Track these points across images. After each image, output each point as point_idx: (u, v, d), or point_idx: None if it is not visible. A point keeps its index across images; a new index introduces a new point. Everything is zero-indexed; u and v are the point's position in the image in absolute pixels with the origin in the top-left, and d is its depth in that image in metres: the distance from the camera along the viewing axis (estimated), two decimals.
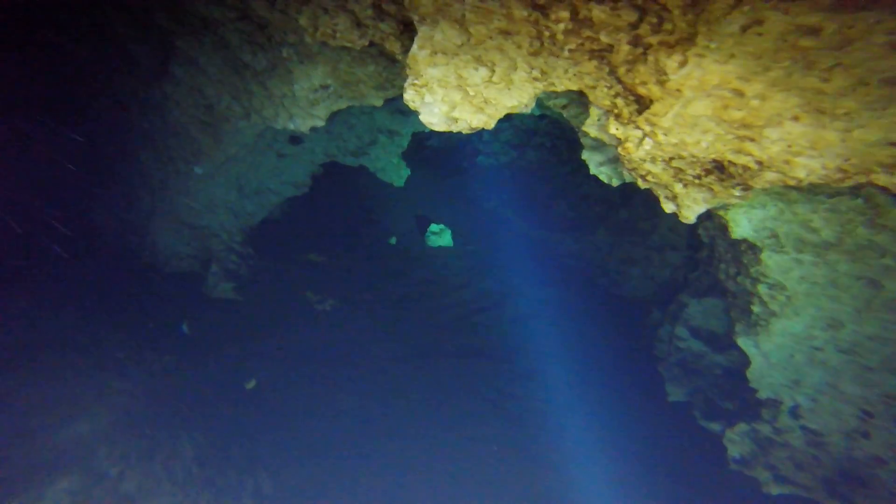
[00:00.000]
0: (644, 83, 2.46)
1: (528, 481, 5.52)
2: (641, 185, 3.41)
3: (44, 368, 6.03)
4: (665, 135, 2.62)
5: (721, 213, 4.73)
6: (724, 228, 5.42)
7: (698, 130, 2.53)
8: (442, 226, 12.43)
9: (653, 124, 2.60)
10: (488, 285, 11.49)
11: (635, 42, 2.32)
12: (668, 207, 3.29)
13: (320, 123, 5.56)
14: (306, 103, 5.35)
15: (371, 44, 4.20)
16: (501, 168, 15.62)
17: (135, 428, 5.32)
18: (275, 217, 10.25)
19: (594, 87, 2.66)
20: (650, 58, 2.36)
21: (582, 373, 9.13)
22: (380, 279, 10.52)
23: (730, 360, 7.24)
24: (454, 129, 3.15)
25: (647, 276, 10.66)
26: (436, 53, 2.81)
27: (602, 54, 2.48)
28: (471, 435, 5.96)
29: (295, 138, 9.14)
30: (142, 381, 6.18)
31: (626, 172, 4.88)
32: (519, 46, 2.68)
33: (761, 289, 5.00)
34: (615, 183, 5.47)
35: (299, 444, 5.54)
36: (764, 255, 4.83)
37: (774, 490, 5.68)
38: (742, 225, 4.63)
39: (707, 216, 5.82)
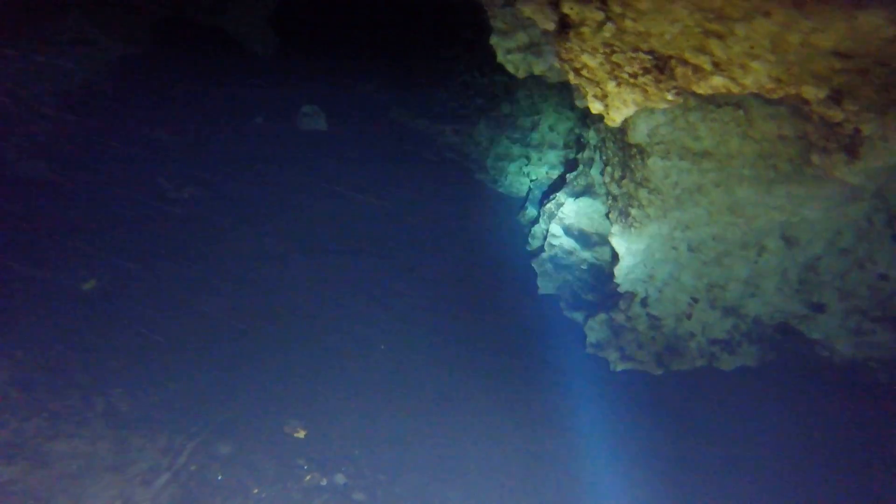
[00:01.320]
0: None
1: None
2: (572, 79, 3.12)
3: None
4: (634, 20, 2.30)
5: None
6: (618, 132, 5.51)
7: (669, 19, 2.25)
8: (315, 107, 11.13)
9: (626, 5, 2.25)
10: (366, 175, 10.87)
11: None
12: (595, 107, 3.09)
13: None
14: None
15: None
16: (379, 48, 14.26)
17: None
18: (100, 79, 8.17)
19: None
20: None
21: (456, 266, 9.35)
22: (245, 165, 9.28)
23: (595, 257, 7.90)
24: None
25: (523, 173, 10.92)
26: None
27: None
28: (358, 337, 5.80)
29: None
30: None
31: (543, 63, 4.55)
32: None
33: (642, 193, 5.26)
34: (521, 74, 5.13)
35: (160, 356, 4.86)
36: (650, 161, 5.02)
37: (619, 367, 6.57)
38: (640, 130, 4.68)
39: (599, 118, 5.84)
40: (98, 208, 6.82)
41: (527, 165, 10.88)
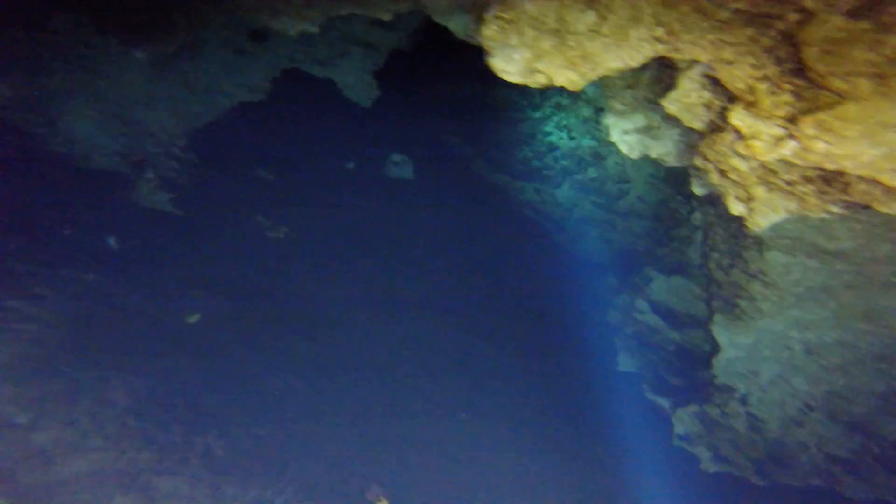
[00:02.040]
0: (850, 75, 1.94)
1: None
2: (714, 179, 3.02)
3: None
4: (831, 144, 2.18)
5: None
6: (729, 218, 5.26)
7: (875, 143, 2.11)
8: (404, 156, 11.55)
9: (824, 128, 2.14)
10: (445, 224, 11.03)
11: (855, 13, 1.73)
12: (735, 208, 2.95)
13: (313, 30, 4.53)
14: (301, 1, 4.28)
15: None
16: (466, 101, 14.70)
17: (49, 366, 4.46)
18: (223, 123, 8.89)
19: (731, 63, 2.14)
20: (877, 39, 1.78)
21: (530, 332, 9.14)
22: (335, 207, 9.67)
23: (684, 339, 7.47)
24: (529, 82, 2.52)
25: (605, 239, 10.67)
26: None
27: (770, 23, 1.93)
28: (436, 397, 5.70)
29: (257, 34, 7.74)
30: (57, 306, 5.21)
31: (662, 147, 4.47)
32: None
33: (755, 286, 4.94)
34: (635, 155, 5.05)
35: (251, 398, 4.98)
36: (770, 255, 4.73)
37: (712, 468, 6.04)
38: (764, 224, 4.43)
39: (709, 201, 5.62)
40: (206, 242, 7.28)
41: (610, 232, 10.65)
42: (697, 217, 6.31)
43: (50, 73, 6.98)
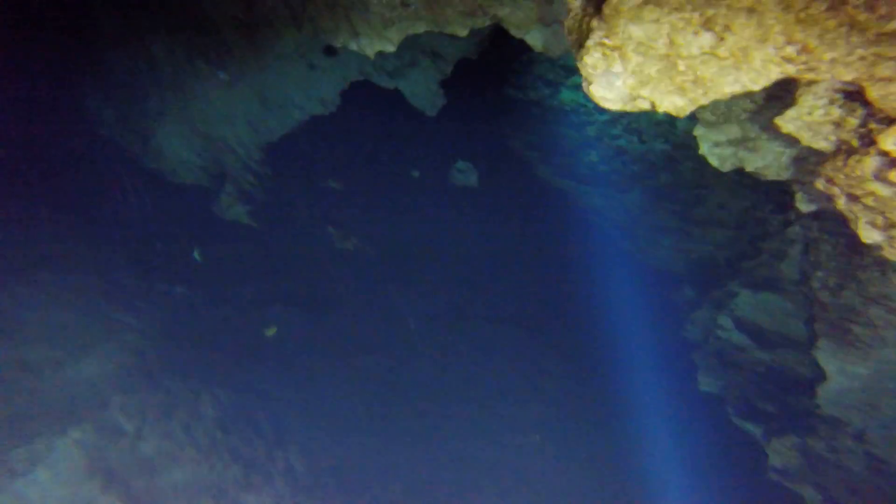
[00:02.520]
0: None
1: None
2: (840, 204, 2.70)
3: (44, 291, 5.31)
4: None
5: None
6: (839, 235, 4.78)
7: None
8: (469, 164, 11.48)
9: None
10: (510, 232, 10.85)
11: None
12: (869, 236, 2.62)
13: (390, 49, 4.54)
14: (380, 21, 4.30)
15: None
16: (531, 105, 14.38)
17: (149, 376, 4.73)
18: (295, 136, 9.18)
19: (890, 81, 1.87)
20: None
21: (599, 343, 8.79)
22: (402, 215, 9.75)
23: (776, 360, 6.90)
24: (630, 108, 2.35)
25: (680, 248, 10.09)
26: (648, 3, 1.95)
27: None
28: (509, 418, 5.57)
29: (330, 49, 7.91)
30: (152, 317, 5.53)
31: (760, 160, 4.11)
32: (788, 7, 1.84)
33: (876, 311, 4.44)
34: (727, 168, 4.69)
35: (328, 413, 5.07)
36: None
37: None
38: None
39: (815, 216, 5.13)
40: (281, 255, 7.53)
41: (686, 241, 10.06)
42: (795, 231, 5.80)
43: (146, 97, 7.48)
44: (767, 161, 4.34)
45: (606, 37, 2.10)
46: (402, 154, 11.07)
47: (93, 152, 8.25)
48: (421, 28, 4.64)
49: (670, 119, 10.29)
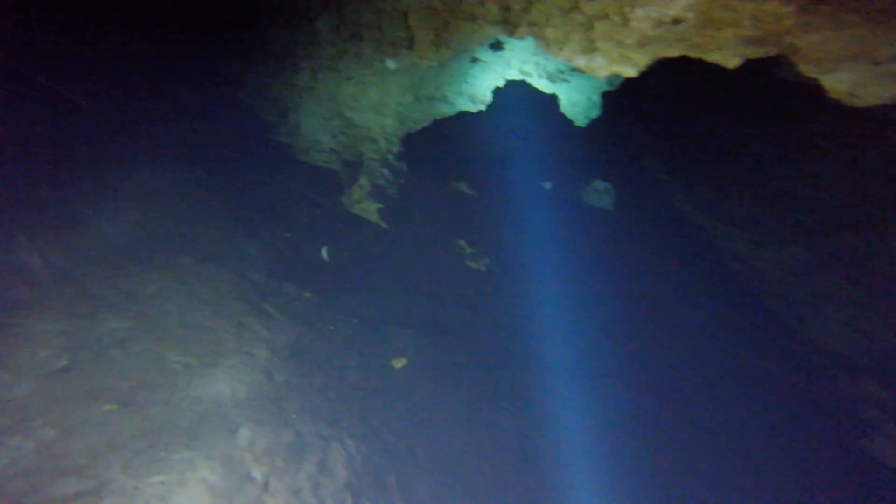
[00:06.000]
0: None
1: None
2: None
3: (184, 281, 4.90)
4: None
5: None
6: None
7: None
8: (608, 185, 10.27)
9: None
10: (642, 265, 9.63)
11: None
12: None
13: (630, 73, 3.55)
14: (634, 39, 3.31)
15: None
16: (672, 122, 12.76)
17: (278, 405, 4.17)
18: (431, 130, 8.41)
19: None
20: None
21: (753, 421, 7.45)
22: (531, 230, 8.81)
23: None
24: None
25: (856, 327, 8.43)
26: None
27: None
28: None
29: (497, 42, 6.99)
30: (281, 328, 5.00)
31: None
32: None
33: None
34: None
35: (460, 480, 4.31)
36: None
37: None
38: None
39: None
40: (408, 263, 6.85)
41: (863, 318, 8.40)
42: None
43: (296, 71, 6.95)
44: None
45: None
46: (538, 162, 10.07)
47: (229, 118, 7.93)
48: (676, 52, 3.59)
49: None
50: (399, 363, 5.31)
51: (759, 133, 10.41)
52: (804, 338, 8.88)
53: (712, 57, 3.64)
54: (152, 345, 4.20)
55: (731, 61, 3.55)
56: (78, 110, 6.39)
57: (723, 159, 11.52)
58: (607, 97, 8.82)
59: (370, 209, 7.21)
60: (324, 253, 6.37)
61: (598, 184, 10.22)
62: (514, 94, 8.64)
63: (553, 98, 8.58)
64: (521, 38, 4.05)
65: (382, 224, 7.25)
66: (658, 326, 8.58)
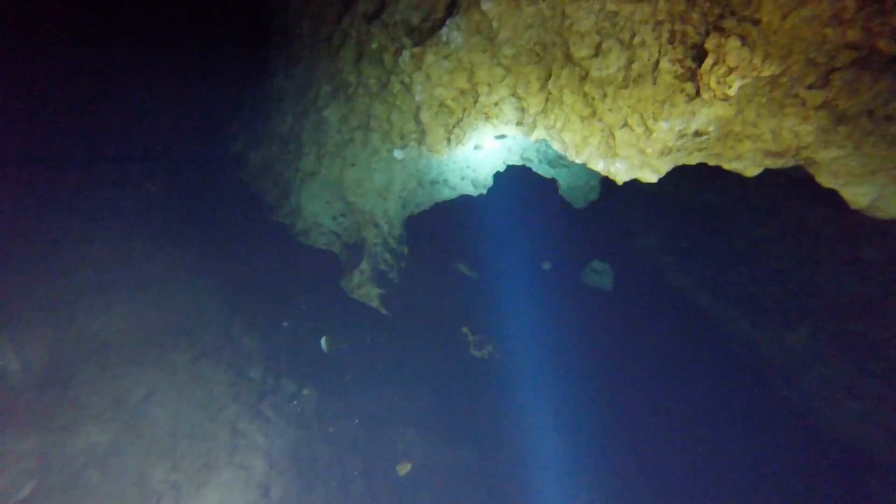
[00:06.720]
0: None
1: None
2: None
3: (175, 383, 4.53)
4: None
5: None
6: None
7: None
8: (606, 265, 10.24)
9: None
10: (640, 348, 9.39)
11: None
12: None
13: (650, 179, 3.53)
14: (658, 149, 3.30)
15: None
16: (668, 201, 13.02)
17: None
18: (432, 212, 8.39)
19: None
20: None
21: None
22: (531, 314, 8.61)
23: None
24: None
25: (875, 420, 8.15)
26: None
27: None
28: None
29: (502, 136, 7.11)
30: (278, 433, 4.60)
31: None
32: None
33: None
34: None
35: None
36: None
37: None
38: None
39: None
40: (411, 353, 6.56)
41: (879, 411, 8.15)
42: None
43: (303, 155, 6.97)
44: None
45: None
46: (537, 243, 10.06)
47: (231, 199, 7.85)
48: (696, 160, 3.60)
49: None
50: (404, 469, 4.90)
51: (751, 216, 10.62)
52: (817, 430, 8.57)
53: (731, 166, 3.65)
54: (136, 460, 3.79)
55: (751, 170, 3.55)
56: (75, 187, 6.25)
57: (718, 238, 11.66)
58: (606, 182, 8.98)
59: (371, 294, 6.98)
60: (323, 343, 6.07)
61: (597, 264, 10.19)
62: (512, 177, 8.76)
63: (553, 182, 8.71)
64: (537, 140, 4.06)
65: (383, 310, 7.00)
66: (661, 413, 8.23)
